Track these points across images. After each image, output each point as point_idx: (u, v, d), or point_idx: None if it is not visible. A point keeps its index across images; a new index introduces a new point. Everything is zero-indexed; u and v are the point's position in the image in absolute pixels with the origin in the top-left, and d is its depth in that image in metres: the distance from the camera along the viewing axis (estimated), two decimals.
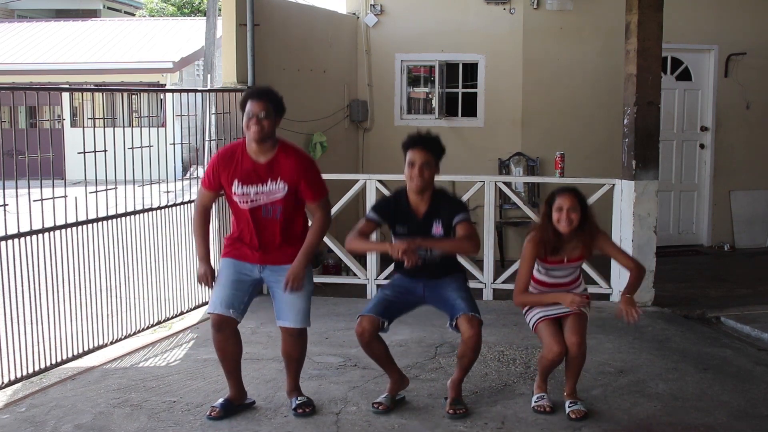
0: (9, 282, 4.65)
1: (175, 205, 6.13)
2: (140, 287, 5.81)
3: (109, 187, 5.44)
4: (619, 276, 6.67)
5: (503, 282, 6.85)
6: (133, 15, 26.56)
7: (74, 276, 5.18)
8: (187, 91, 6.99)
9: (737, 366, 5.08)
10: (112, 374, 4.93)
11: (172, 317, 6.14)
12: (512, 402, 4.40)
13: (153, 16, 25.58)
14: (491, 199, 6.90)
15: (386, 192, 4.86)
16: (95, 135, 5.29)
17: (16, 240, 4.66)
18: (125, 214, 5.64)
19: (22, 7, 24.96)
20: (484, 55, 9.04)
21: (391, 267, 4.52)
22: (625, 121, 6.67)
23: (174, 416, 4.20)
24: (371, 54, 9.22)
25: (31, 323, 4.90)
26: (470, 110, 9.20)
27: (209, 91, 7.44)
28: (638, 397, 4.48)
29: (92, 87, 12.39)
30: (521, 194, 8.44)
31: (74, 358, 5.14)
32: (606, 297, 6.73)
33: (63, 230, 5.03)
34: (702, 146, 9.37)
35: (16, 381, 4.70)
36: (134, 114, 11.41)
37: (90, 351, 5.29)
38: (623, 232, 6.62)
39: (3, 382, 4.61)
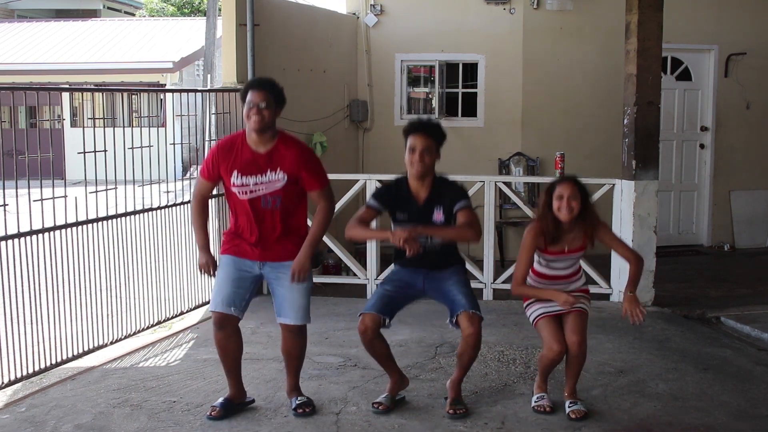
0: (9, 282, 4.65)
1: (175, 205, 6.13)
2: (140, 287, 5.81)
3: (109, 187, 5.44)
4: (620, 276, 6.67)
5: (503, 282, 6.85)
6: (133, 15, 26.57)
7: (74, 276, 5.18)
8: (187, 91, 6.99)
9: (737, 366, 5.08)
10: (112, 374, 4.93)
11: (172, 317, 6.14)
12: (512, 402, 4.40)
13: (153, 16, 25.59)
14: (491, 199, 6.90)
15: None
16: (95, 135, 5.29)
17: (16, 240, 4.66)
18: (125, 214, 5.64)
19: (22, 7, 24.96)
20: (484, 55, 9.04)
21: (391, 267, 4.50)
22: (625, 121, 6.67)
23: (174, 416, 4.20)
24: (371, 54, 9.22)
25: (31, 323, 4.90)
26: (470, 110, 9.20)
27: (209, 91, 7.44)
28: (638, 397, 4.48)
29: (92, 87, 12.40)
30: (521, 194, 8.44)
31: (74, 358, 5.14)
32: (606, 297, 6.74)
33: (63, 230, 5.03)
34: (702, 146, 9.38)
35: (16, 381, 4.70)
36: (134, 114, 11.41)
37: (90, 351, 5.28)
38: (623, 232, 6.61)
39: (3, 382, 4.60)
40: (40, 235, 4.84)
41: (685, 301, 6.80)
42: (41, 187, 4.82)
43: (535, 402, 4.29)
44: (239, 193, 4.05)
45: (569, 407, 4.18)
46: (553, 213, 4.09)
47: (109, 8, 26.50)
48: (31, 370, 4.81)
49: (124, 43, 19.39)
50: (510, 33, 8.90)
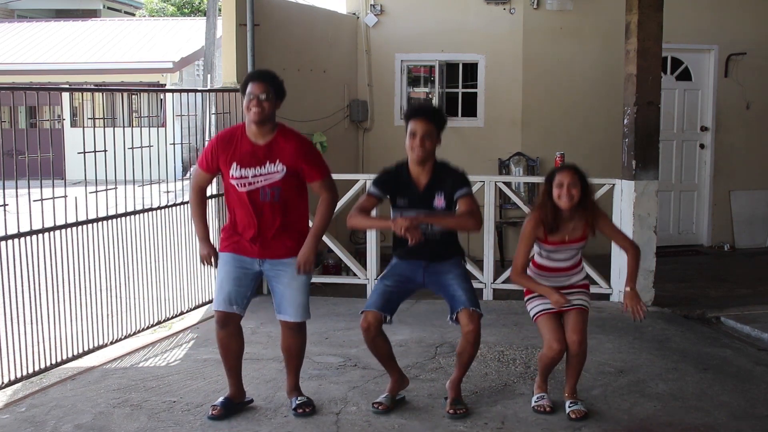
0: (9, 282, 4.65)
1: (175, 205, 6.13)
2: (140, 287, 5.81)
3: (109, 187, 5.44)
4: (620, 275, 6.66)
5: (503, 282, 6.85)
6: (133, 15, 26.57)
7: (74, 276, 5.18)
8: (187, 91, 6.99)
9: (737, 366, 5.08)
10: (112, 374, 4.93)
11: (172, 317, 6.14)
12: (512, 402, 4.40)
13: (153, 16, 25.59)
14: (491, 199, 6.90)
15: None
16: (95, 135, 5.29)
17: (16, 240, 4.66)
18: (125, 214, 5.64)
19: (22, 7, 24.96)
20: (484, 55, 9.04)
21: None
22: (625, 121, 6.67)
23: (174, 416, 4.20)
24: (371, 54, 9.22)
25: (31, 323, 4.90)
26: (470, 110, 9.20)
27: (209, 91, 7.44)
28: (638, 397, 4.48)
29: (92, 87, 12.40)
30: (521, 194, 8.44)
31: (74, 358, 5.14)
32: (606, 297, 6.73)
33: (63, 230, 5.03)
34: (702, 146, 9.38)
35: (16, 381, 4.70)
36: (134, 114, 11.41)
37: (90, 351, 5.29)
38: (623, 231, 6.61)
39: (3, 382, 4.61)
40: (40, 235, 4.84)
41: (685, 301, 6.80)
42: (41, 187, 4.82)
43: (535, 402, 4.29)
44: (238, 185, 4.04)
45: (569, 407, 4.18)
46: (553, 201, 4.08)
47: (109, 8, 26.50)
48: (31, 370, 4.81)
49: (124, 43, 19.39)
50: (510, 33, 8.90)
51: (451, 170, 4.17)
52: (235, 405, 4.24)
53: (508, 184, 7.17)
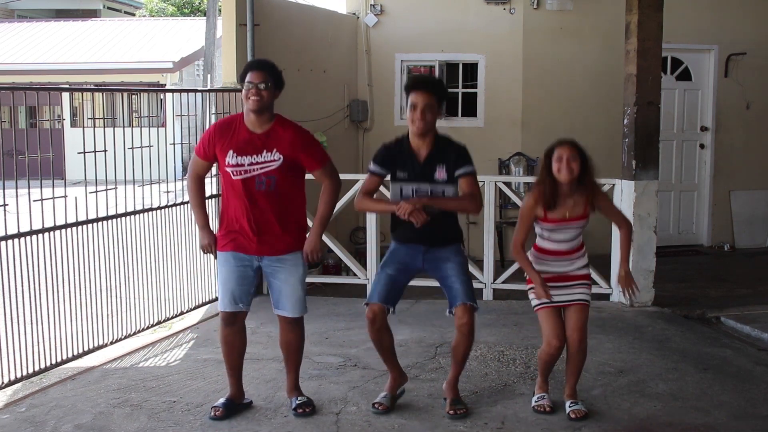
0: (9, 282, 4.65)
1: (175, 205, 6.13)
2: (140, 287, 5.81)
3: (109, 187, 5.44)
4: None
5: (503, 282, 6.85)
6: (133, 15, 26.57)
7: (74, 276, 5.18)
8: (187, 91, 6.99)
9: (737, 366, 5.08)
10: (112, 374, 4.93)
11: (172, 317, 6.14)
12: (512, 402, 4.40)
13: (153, 16, 25.59)
14: (491, 199, 6.90)
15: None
16: (95, 135, 5.29)
17: (16, 240, 4.66)
18: (125, 214, 5.64)
19: (22, 7, 24.96)
20: (484, 55, 9.04)
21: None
22: (625, 121, 6.67)
23: (174, 416, 4.20)
24: (371, 54, 9.22)
25: (31, 323, 4.90)
26: (470, 110, 9.21)
27: (209, 91, 7.44)
28: (638, 397, 4.48)
29: (92, 87, 12.40)
30: (521, 194, 8.43)
31: (74, 358, 5.14)
32: (606, 297, 6.74)
33: (63, 230, 5.03)
34: (702, 146, 9.38)
35: (16, 381, 4.70)
36: (134, 114, 11.42)
37: (90, 351, 5.28)
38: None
39: (3, 382, 4.60)
40: (40, 235, 4.84)
41: (685, 301, 6.80)
42: (41, 187, 4.82)
43: (536, 402, 4.29)
44: (233, 173, 4.03)
45: (569, 407, 4.18)
46: (553, 176, 4.06)
47: (109, 8, 26.51)
48: (31, 370, 4.81)
49: (124, 43, 19.40)
50: (510, 33, 8.90)
51: (453, 144, 4.16)
52: (236, 406, 4.24)
53: (508, 184, 7.18)
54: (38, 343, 4.90)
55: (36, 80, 16.76)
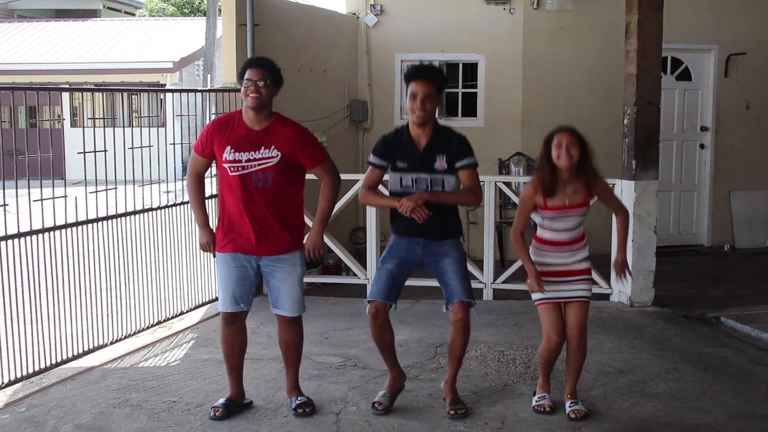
0: (9, 282, 4.65)
1: (175, 205, 6.13)
2: (140, 287, 5.81)
3: (109, 187, 5.44)
4: None
5: (503, 282, 6.85)
6: (133, 15, 26.57)
7: (74, 276, 5.18)
8: (187, 91, 6.99)
9: (737, 366, 5.08)
10: (112, 374, 4.93)
11: (172, 317, 6.14)
12: (512, 402, 4.40)
13: (153, 16, 25.59)
14: (491, 199, 6.90)
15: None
16: (95, 135, 5.29)
17: (16, 240, 4.66)
18: (125, 214, 5.64)
19: (22, 7, 24.97)
20: (484, 55, 9.04)
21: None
22: (625, 121, 6.67)
23: (174, 416, 4.20)
24: (371, 54, 9.22)
25: (31, 323, 4.90)
26: (470, 110, 9.21)
27: (209, 91, 7.44)
28: (638, 397, 4.48)
29: (92, 87, 12.40)
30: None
31: (74, 358, 5.14)
32: (606, 297, 6.74)
33: (63, 230, 5.03)
34: (702, 146, 9.38)
35: (16, 381, 4.70)
36: (134, 114, 11.42)
37: (90, 351, 5.28)
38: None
39: (3, 382, 4.60)
40: (40, 235, 4.84)
41: (685, 301, 6.80)
42: (41, 187, 4.82)
43: (536, 402, 4.29)
44: (230, 169, 4.02)
45: (569, 407, 4.18)
46: (552, 163, 4.05)
47: (109, 8, 26.51)
48: (31, 370, 4.81)
49: (124, 43, 19.39)
50: (510, 33, 8.90)
51: (453, 134, 4.17)
52: (236, 406, 4.24)
53: (508, 184, 7.18)
54: (38, 343, 4.90)
55: (36, 80, 16.77)
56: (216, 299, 5.57)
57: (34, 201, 4.75)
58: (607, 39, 8.57)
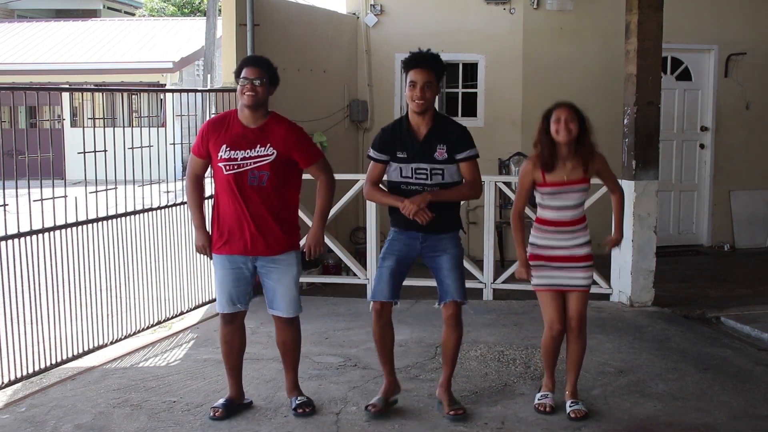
0: (9, 282, 4.65)
1: (175, 205, 6.13)
2: (140, 287, 5.81)
3: (109, 187, 5.44)
4: (619, 276, 6.68)
5: (503, 282, 6.84)
6: (133, 15, 26.57)
7: (74, 276, 5.18)
8: (187, 91, 6.99)
9: (737, 366, 5.08)
10: (112, 374, 4.93)
11: (172, 317, 6.14)
12: (512, 402, 4.40)
13: (153, 16, 25.59)
14: (491, 199, 6.89)
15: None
16: (95, 135, 5.29)
17: (16, 240, 4.66)
18: (125, 214, 5.64)
19: (22, 7, 24.96)
20: (484, 55, 9.03)
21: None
22: (625, 121, 6.67)
23: (174, 416, 4.20)
24: (371, 54, 9.22)
25: (31, 323, 4.90)
26: (470, 110, 9.20)
27: (209, 91, 7.43)
28: (638, 397, 4.48)
29: (92, 87, 12.40)
30: None
31: (74, 358, 5.14)
32: (606, 297, 6.74)
33: (63, 230, 5.03)
34: (702, 146, 9.37)
35: (16, 381, 4.70)
36: (134, 114, 11.41)
37: (90, 351, 5.28)
38: (623, 231, 6.61)
39: (3, 382, 4.60)
40: (40, 235, 4.84)
41: (685, 301, 6.80)
42: (41, 187, 4.82)
43: (538, 400, 4.28)
44: (225, 167, 4.02)
45: (569, 407, 4.18)
46: (550, 137, 4.07)
47: (109, 8, 26.51)
48: (31, 370, 4.81)
49: (124, 43, 19.39)
50: (510, 33, 8.90)
51: (454, 124, 4.18)
52: (236, 406, 4.24)
53: (508, 184, 7.17)
54: (38, 343, 4.90)
55: (36, 80, 16.76)
56: (215, 299, 5.57)
57: (34, 201, 4.75)
58: (607, 39, 8.57)
